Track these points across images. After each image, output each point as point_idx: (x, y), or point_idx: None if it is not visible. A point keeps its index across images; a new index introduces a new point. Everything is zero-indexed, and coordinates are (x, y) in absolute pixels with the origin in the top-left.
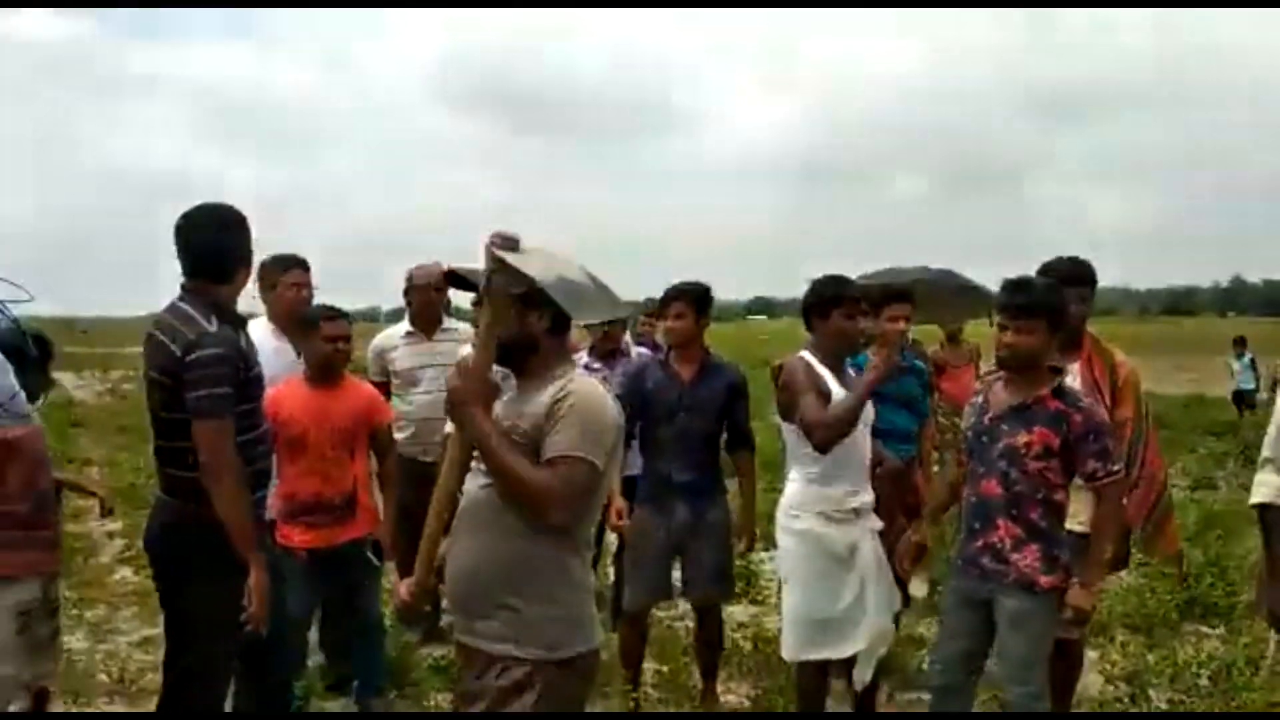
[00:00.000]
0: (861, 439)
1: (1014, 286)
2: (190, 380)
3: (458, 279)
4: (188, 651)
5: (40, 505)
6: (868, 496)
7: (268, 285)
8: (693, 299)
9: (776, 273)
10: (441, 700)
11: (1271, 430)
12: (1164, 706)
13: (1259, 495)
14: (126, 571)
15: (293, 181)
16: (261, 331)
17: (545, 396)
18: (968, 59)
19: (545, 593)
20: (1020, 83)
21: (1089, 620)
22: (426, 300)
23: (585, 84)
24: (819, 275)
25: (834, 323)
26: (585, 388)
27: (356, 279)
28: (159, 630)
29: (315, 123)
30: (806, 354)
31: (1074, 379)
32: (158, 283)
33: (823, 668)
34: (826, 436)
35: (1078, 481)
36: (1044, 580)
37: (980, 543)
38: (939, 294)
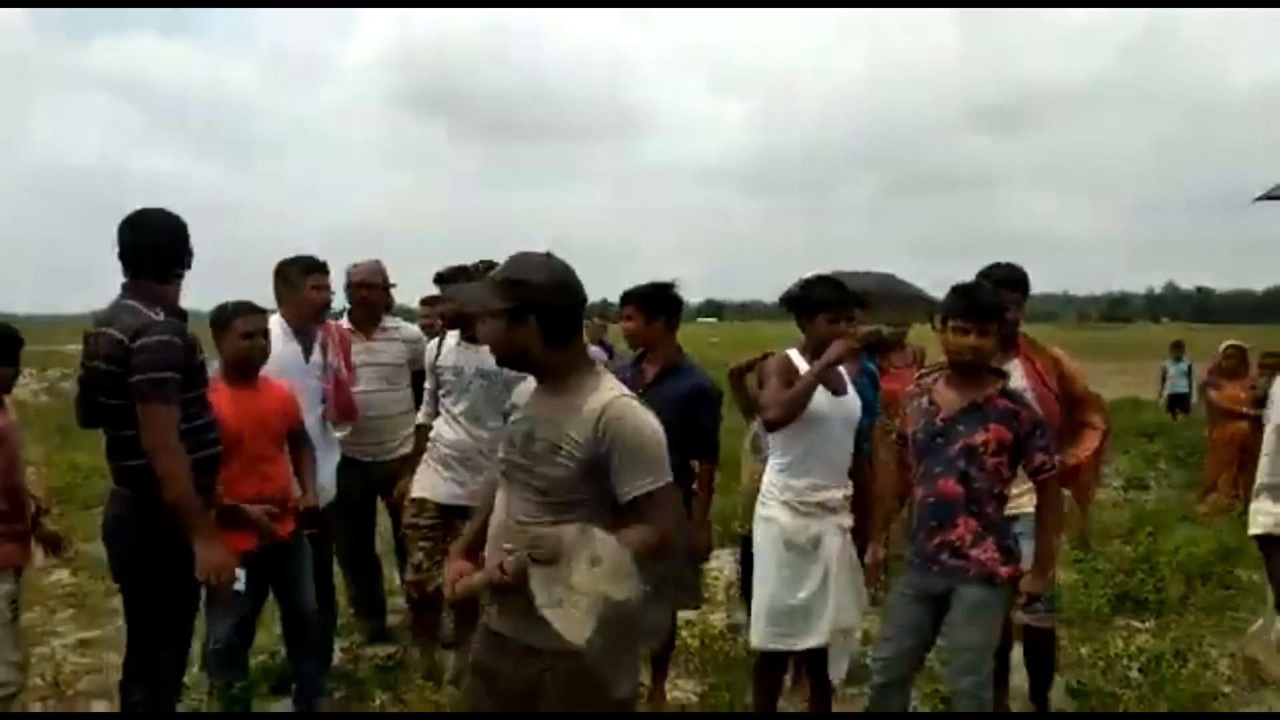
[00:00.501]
0: (841, 437)
1: (973, 292)
2: (135, 364)
3: (444, 281)
4: (150, 641)
5: (15, 499)
6: (839, 493)
7: (287, 285)
8: (641, 301)
9: (725, 276)
10: (386, 700)
11: (1265, 457)
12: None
13: (1257, 526)
14: (63, 574)
15: (242, 182)
16: (275, 330)
17: (584, 411)
18: (906, 67)
19: None
20: (959, 90)
21: (1054, 603)
22: (362, 299)
23: (536, 85)
24: (810, 275)
25: (818, 326)
26: (628, 407)
27: None
28: (96, 633)
29: (260, 123)
30: (793, 351)
31: (1020, 377)
32: (93, 281)
33: (781, 663)
34: (776, 415)
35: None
36: (1003, 571)
37: (938, 540)
38: (882, 298)
